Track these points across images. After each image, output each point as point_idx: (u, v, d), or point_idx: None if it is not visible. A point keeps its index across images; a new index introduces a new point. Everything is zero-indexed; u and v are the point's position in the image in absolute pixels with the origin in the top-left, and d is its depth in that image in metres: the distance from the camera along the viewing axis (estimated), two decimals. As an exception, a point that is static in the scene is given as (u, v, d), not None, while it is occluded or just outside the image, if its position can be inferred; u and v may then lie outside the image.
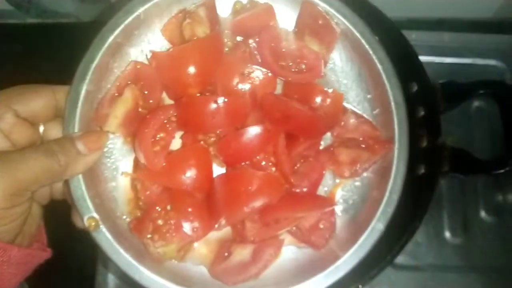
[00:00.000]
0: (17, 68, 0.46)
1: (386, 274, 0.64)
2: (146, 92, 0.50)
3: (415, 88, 0.63)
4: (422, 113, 0.61)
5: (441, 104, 0.62)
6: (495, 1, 0.85)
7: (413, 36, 0.77)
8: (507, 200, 0.74)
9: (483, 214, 0.73)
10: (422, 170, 0.60)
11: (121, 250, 0.46)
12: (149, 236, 0.47)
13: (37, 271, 0.47)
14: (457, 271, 0.71)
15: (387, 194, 0.48)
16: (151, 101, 0.50)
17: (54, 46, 0.45)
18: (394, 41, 0.65)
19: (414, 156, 0.60)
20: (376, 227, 0.48)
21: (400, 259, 0.66)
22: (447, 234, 0.72)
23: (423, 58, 0.66)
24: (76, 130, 0.47)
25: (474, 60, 0.79)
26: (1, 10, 0.87)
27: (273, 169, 0.49)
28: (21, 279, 0.45)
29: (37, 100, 0.45)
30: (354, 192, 0.52)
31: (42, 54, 0.46)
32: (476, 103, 0.77)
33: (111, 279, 0.71)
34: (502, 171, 0.59)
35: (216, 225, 0.47)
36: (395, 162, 0.49)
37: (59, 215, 0.49)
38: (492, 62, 0.79)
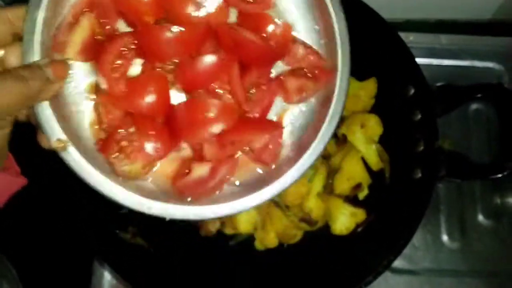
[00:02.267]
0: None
1: (383, 278, 0.64)
2: (102, 20, 0.51)
3: (412, 91, 0.62)
4: (419, 116, 0.62)
5: (438, 107, 0.61)
6: (494, 2, 0.82)
7: (410, 38, 0.75)
8: (505, 203, 0.74)
9: (480, 218, 0.73)
10: (419, 175, 0.61)
11: (90, 168, 0.51)
12: (114, 156, 0.53)
13: (35, 269, 0.49)
14: (454, 275, 0.71)
15: (328, 118, 0.54)
16: (107, 27, 0.51)
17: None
18: (391, 43, 0.63)
19: (411, 161, 0.60)
20: (317, 147, 0.55)
21: (397, 263, 0.65)
22: (445, 238, 0.72)
23: (420, 61, 0.65)
24: (36, 57, 0.48)
25: (472, 62, 0.78)
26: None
27: (228, 96, 0.54)
28: None
29: None
30: (300, 116, 0.58)
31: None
32: (473, 107, 0.76)
33: (107, 280, 0.73)
34: (499, 175, 0.59)
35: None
36: (336, 90, 0.54)
37: (58, 215, 0.51)
38: (490, 64, 0.78)
